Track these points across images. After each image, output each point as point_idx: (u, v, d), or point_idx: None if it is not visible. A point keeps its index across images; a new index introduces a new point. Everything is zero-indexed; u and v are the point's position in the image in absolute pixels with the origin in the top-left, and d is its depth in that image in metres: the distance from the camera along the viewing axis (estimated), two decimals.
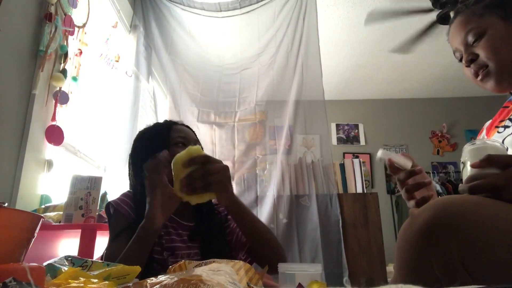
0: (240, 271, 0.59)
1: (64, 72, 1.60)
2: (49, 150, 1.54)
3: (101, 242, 1.28)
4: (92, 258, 0.97)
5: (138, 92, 2.47)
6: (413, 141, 5.00)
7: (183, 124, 1.14)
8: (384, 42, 3.73)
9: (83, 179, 1.37)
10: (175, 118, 2.45)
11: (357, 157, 2.56)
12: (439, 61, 4.12)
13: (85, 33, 1.80)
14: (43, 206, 1.43)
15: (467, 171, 0.70)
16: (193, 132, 1.15)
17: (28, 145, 1.40)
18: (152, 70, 2.70)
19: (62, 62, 1.62)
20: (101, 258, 1.02)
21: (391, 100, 5.18)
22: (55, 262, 0.61)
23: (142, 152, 1.08)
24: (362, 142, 5.05)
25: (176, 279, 0.46)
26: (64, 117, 1.62)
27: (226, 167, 0.88)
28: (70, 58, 1.66)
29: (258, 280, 0.63)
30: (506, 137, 0.88)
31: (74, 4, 1.69)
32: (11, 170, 1.34)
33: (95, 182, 1.38)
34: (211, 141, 2.56)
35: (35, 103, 1.44)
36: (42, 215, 1.09)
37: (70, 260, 0.64)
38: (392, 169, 0.94)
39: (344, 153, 4.86)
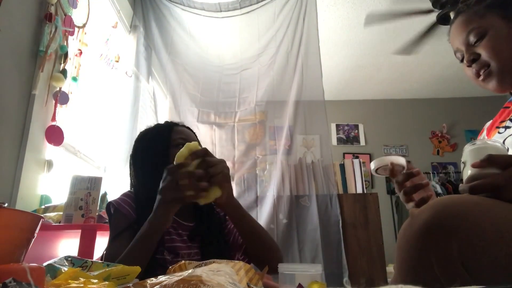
0: (240, 272, 0.59)
1: (64, 72, 1.60)
2: (49, 150, 1.54)
3: (101, 243, 1.28)
4: (92, 259, 0.97)
5: (138, 92, 2.47)
6: (413, 141, 5.01)
7: (183, 125, 1.15)
8: (384, 42, 3.73)
9: (83, 180, 1.37)
10: (175, 119, 2.47)
11: (357, 157, 2.56)
12: (439, 61, 4.12)
13: (85, 34, 1.80)
14: (43, 207, 1.43)
15: (468, 171, 0.70)
16: (194, 133, 1.16)
17: (28, 145, 1.40)
18: (152, 70, 2.70)
19: (62, 62, 1.62)
20: (101, 258, 1.02)
21: (391, 100, 5.18)
22: (55, 262, 0.61)
23: (143, 153, 1.09)
24: (362, 142, 5.05)
25: (176, 279, 0.46)
26: (64, 117, 1.62)
27: (224, 160, 0.89)
28: (70, 58, 1.66)
29: (258, 280, 0.63)
30: (507, 137, 0.88)
31: (74, 5, 1.69)
32: (11, 170, 1.34)
33: (95, 182, 1.38)
34: (211, 141, 2.56)
35: (35, 103, 1.44)
36: (42, 215, 1.10)
37: (70, 260, 0.64)
38: (390, 172, 0.94)
39: (344, 154, 4.86)
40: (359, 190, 2.33)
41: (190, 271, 0.51)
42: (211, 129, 2.61)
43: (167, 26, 2.73)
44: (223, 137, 2.58)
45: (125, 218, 0.98)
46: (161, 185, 0.85)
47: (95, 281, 0.48)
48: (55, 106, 1.56)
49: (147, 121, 2.47)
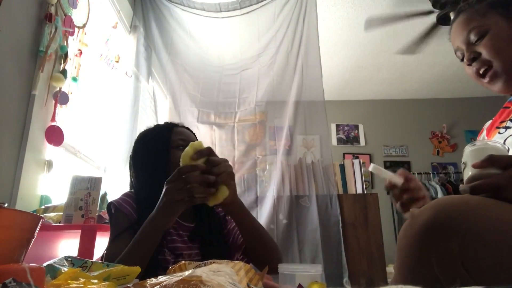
0: (240, 272, 0.59)
1: (64, 72, 1.60)
2: (49, 151, 1.53)
3: (101, 243, 1.28)
4: (92, 259, 0.96)
5: (138, 92, 2.47)
6: (413, 141, 5.01)
7: (183, 126, 1.15)
8: (384, 42, 3.73)
9: (83, 180, 1.37)
10: (175, 119, 2.47)
11: (357, 157, 2.57)
12: (439, 61, 4.13)
13: (85, 34, 1.80)
14: (43, 207, 1.43)
15: (468, 171, 0.70)
16: (193, 133, 1.16)
17: (28, 145, 1.40)
18: (152, 71, 2.70)
19: (62, 62, 1.62)
20: (102, 258, 1.01)
21: (391, 100, 5.18)
22: (55, 262, 0.61)
23: (143, 154, 1.09)
24: (362, 142, 5.05)
25: (176, 279, 0.46)
26: (64, 117, 1.62)
27: (226, 159, 0.88)
28: (70, 59, 1.66)
29: (258, 280, 0.63)
30: (507, 137, 0.87)
31: (74, 5, 1.69)
32: (11, 170, 1.34)
33: (95, 182, 1.38)
34: (211, 141, 2.56)
35: (35, 103, 1.44)
36: (42, 215, 1.09)
37: (70, 260, 0.64)
38: (387, 185, 0.94)
39: (344, 154, 4.86)
40: (359, 191, 2.33)
41: (190, 271, 0.51)
42: (211, 130, 2.61)
43: (167, 26, 2.73)
44: (223, 137, 2.58)
45: (126, 218, 0.98)
46: (167, 185, 0.84)
47: (95, 281, 0.48)
48: (55, 106, 1.56)
49: (147, 122, 2.47)
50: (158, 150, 1.05)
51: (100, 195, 1.39)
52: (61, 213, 1.33)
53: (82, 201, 1.34)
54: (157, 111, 2.65)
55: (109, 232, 1.02)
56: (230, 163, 0.89)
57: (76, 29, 1.72)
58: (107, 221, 1.41)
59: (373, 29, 3.32)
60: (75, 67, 1.72)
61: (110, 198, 1.42)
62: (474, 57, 0.92)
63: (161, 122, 1.22)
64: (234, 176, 0.89)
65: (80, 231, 1.26)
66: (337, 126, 5.10)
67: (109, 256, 0.91)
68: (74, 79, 1.70)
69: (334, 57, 3.97)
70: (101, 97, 2.14)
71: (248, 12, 2.70)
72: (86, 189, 1.36)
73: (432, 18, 3.01)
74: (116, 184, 2.01)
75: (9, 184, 1.32)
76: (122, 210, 0.99)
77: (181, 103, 2.63)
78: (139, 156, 1.10)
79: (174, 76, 2.67)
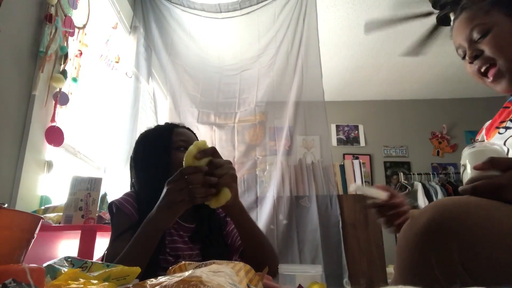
0: (240, 273, 0.59)
1: (64, 73, 1.60)
2: (49, 151, 1.53)
3: (101, 243, 1.28)
4: (92, 259, 0.96)
5: (138, 93, 2.47)
6: (413, 142, 5.01)
7: (184, 127, 1.15)
8: (384, 43, 3.73)
9: (83, 180, 1.37)
10: (175, 119, 2.47)
11: (357, 158, 2.57)
12: (439, 62, 4.13)
13: (85, 34, 1.80)
14: (43, 207, 1.43)
15: (468, 173, 0.70)
16: (194, 134, 1.15)
17: (28, 146, 1.40)
18: (152, 71, 2.70)
19: (62, 63, 1.62)
20: (102, 258, 1.01)
21: (391, 101, 5.18)
22: (54, 263, 0.61)
23: (144, 155, 1.09)
24: (362, 143, 5.05)
25: (176, 280, 0.46)
26: (64, 118, 1.62)
27: (230, 161, 0.88)
28: (70, 59, 1.66)
29: (258, 281, 0.63)
30: (508, 138, 0.87)
31: (74, 5, 1.69)
32: (11, 171, 1.34)
33: (95, 183, 1.38)
34: (211, 142, 2.56)
35: (35, 104, 1.44)
36: (42, 216, 1.09)
37: (70, 261, 0.64)
38: (370, 204, 0.94)
39: (344, 154, 4.86)
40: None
41: (190, 271, 0.50)
42: (211, 130, 2.61)
43: (167, 27, 2.74)
44: (223, 137, 2.59)
45: (127, 218, 0.98)
46: (168, 185, 0.83)
47: (95, 281, 0.48)
48: (55, 107, 1.56)
49: (147, 122, 2.47)
50: (159, 151, 1.05)
51: (100, 196, 1.39)
52: (61, 213, 1.33)
53: (82, 201, 1.34)
54: (157, 112, 2.66)
55: (109, 232, 1.02)
56: None
57: (76, 30, 1.72)
58: (107, 221, 1.41)
59: (372, 33, 3.32)
60: (75, 68, 1.72)
61: (110, 198, 1.42)
62: (476, 55, 0.91)
63: (161, 123, 1.22)
64: (237, 178, 0.88)
65: (80, 231, 1.26)
66: (337, 126, 5.10)
67: (110, 257, 0.91)
68: (74, 79, 1.70)
69: (334, 57, 3.97)
70: (101, 97, 2.14)
71: (248, 13, 2.70)
72: (86, 189, 1.36)
73: (431, 20, 3.01)
74: (116, 184, 2.01)
75: (9, 184, 1.32)
76: (124, 210, 0.99)
77: (181, 103, 2.63)
78: (139, 157, 1.10)
79: (174, 76, 2.68)
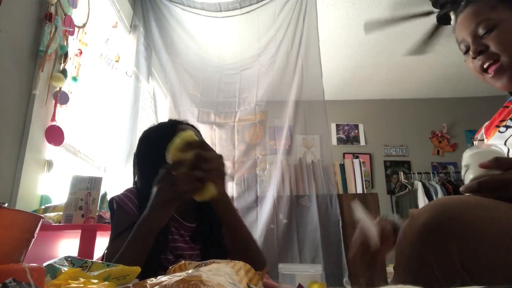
0: (240, 272, 0.59)
1: (64, 72, 1.60)
2: (49, 151, 1.53)
3: (101, 243, 1.28)
4: (92, 259, 0.96)
5: (138, 92, 2.47)
6: (413, 141, 5.01)
7: (188, 124, 1.14)
8: (384, 42, 3.73)
9: (83, 180, 1.37)
10: (176, 119, 2.47)
11: (357, 157, 2.56)
12: (439, 61, 4.12)
13: (85, 33, 1.80)
14: (43, 207, 1.43)
15: (470, 174, 0.70)
16: (198, 131, 1.15)
17: (28, 145, 1.40)
18: (152, 70, 2.70)
19: (62, 62, 1.62)
20: (102, 257, 1.01)
21: (391, 100, 5.18)
22: (55, 262, 0.61)
23: (147, 152, 1.08)
24: (362, 142, 5.05)
25: (176, 279, 0.46)
26: (64, 117, 1.62)
27: (221, 156, 0.85)
28: (70, 58, 1.66)
29: (258, 280, 0.63)
30: (508, 138, 0.87)
31: (74, 4, 1.69)
32: (11, 170, 1.34)
33: (95, 182, 1.38)
34: (211, 141, 2.56)
35: (35, 103, 1.44)
36: (42, 215, 1.09)
37: (70, 260, 0.64)
38: (356, 253, 0.92)
39: (344, 153, 4.86)
40: (359, 190, 2.33)
41: (190, 271, 0.51)
42: (211, 129, 2.61)
43: (167, 26, 2.73)
44: (223, 137, 2.58)
45: (127, 216, 0.97)
46: (157, 185, 0.82)
47: (95, 281, 0.48)
48: (55, 106, 1.56)
49: (147, 121, 2.47)
50: (162, 148, 1.04)
51: (100, 195, 1.39)
52: (61, 213, 1.33)
53: (82, 201, 1.34)
54: (157, 111, 2.66)
55: (109, 232, 1.02)
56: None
57: (76, 29, 1.72)
58: (107, 221, 1.41)
59: (373, 32, 3.32)
60: (75, 67, 1.72)
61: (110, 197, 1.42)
62: (480, 50, 0.89)
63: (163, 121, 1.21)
64: (225, 175, 0.86)
65: (80, 231, 1.26)
66: (337, 125, 5.10)
67: (110, 256, 0.90)
68: (74, 78, 1.70)
69: (334, 56, 3.97)
70: (101, 96, 2.14)
71: (248, 12, 2.70)
72: (86, 189, 1.36)
73: (431, 19, 3.00)
74: (116, 183, 2.01)
75: (9, 184, 1.32)
76: (124, 206, 0.98)
77: (181, 102, 2.63)
78: (142, 155, 1.10)
79: (174, 75, 2.68)
